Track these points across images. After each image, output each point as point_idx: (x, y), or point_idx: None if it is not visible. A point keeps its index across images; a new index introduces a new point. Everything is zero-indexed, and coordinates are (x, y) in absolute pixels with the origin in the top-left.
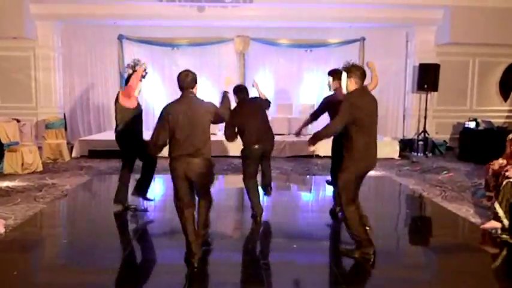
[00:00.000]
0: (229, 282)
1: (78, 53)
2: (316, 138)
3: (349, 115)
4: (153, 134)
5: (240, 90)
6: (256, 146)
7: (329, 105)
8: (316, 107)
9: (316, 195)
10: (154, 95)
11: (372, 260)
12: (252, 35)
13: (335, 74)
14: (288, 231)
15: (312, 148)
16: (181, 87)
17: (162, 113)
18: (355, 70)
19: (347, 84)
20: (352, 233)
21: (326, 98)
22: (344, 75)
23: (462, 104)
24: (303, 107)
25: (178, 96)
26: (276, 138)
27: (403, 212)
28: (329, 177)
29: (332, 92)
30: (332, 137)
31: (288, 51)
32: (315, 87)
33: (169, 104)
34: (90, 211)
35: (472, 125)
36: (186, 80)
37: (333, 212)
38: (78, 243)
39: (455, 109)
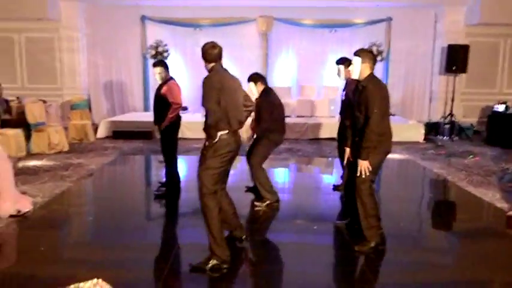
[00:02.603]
0: (249, 262)
1: (101, 34)
2: (366, 149)
3: (386, 103)
4: None
5: (261, 78)
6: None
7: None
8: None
9: (337, 178)
10: (177, 76)
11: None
12: (275, 15)
13: (346, 61)
14: (308, 212)
15: (366, 164)
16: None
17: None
18: (368, 53)
19: (361, 69)
20: (365, 211)
21: (346, 91)
22: (358, 59)
23: (491, 87)
24: (326, 90)
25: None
26: (299, 120)
27: (426, 195)
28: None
29: (343, 81)
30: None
31: (312, 32)
32: None
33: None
34: (115, 190)
35: (501, 108)
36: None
37: (336, 188)
38: (103, 221)
39: (484, 92)
